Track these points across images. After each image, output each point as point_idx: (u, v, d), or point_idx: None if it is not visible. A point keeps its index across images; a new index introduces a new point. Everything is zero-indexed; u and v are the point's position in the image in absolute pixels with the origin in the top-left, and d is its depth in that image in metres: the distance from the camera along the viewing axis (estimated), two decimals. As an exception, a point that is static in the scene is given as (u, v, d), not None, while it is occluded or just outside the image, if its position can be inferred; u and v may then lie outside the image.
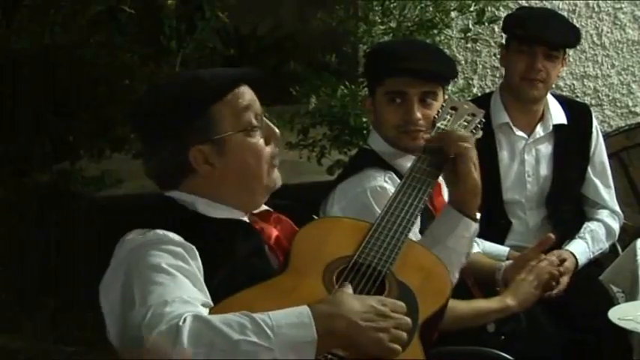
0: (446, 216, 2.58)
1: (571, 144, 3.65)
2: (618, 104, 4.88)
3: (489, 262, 3.08)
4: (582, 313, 3.30)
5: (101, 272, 2.09)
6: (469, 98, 4.39)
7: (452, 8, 4.35)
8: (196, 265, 2.03)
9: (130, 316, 1.92)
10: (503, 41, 3.79)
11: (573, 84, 4.85)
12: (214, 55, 5.17)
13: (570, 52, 3.71)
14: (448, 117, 2.64)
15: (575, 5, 4.82)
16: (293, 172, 5.32)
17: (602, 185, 3.69)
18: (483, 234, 2.98)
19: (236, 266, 2.08)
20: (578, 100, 4.57)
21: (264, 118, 2.21)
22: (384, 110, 2.91)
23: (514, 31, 3.59)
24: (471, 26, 4.54)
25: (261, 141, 2.19)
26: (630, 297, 3.22)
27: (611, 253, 3.67)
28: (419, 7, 4.32)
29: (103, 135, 4.94)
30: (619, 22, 4.84)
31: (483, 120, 2.68)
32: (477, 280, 2.95)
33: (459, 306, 2.65)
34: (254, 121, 2.17)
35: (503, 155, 3.60)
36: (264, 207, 2.27)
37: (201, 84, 2.18)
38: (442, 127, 2.60)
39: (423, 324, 2.09)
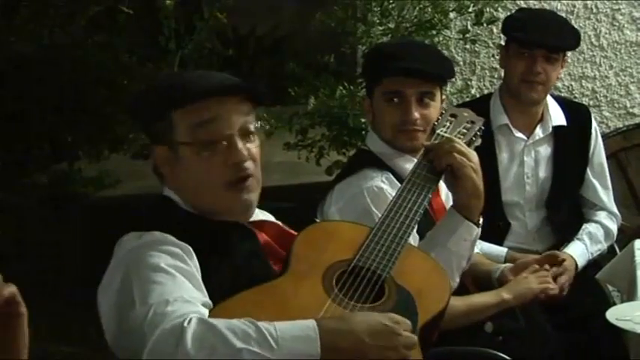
0: (448, 218, 2.60)
1: (570, 145, 3.65)
2: (616, 105, 4.87)
3: (487, 265, 3.08)
4: (580, 314, 3.30)
5: (100, 272, 2.09)
6: (467, 99, 4.40)
7: (450, 9, 4.35)
8: (194, 265, 2.03)
9: (130, 316, 1.92)
10: (502, 42, 3.79)
11: (571, 85, 4.85)
12: (213, 55, 5.16)
13: (569, 53, 3.70)
14: (448, 124, 2.66)
15: (574, 6, 4.81)
16: (291, 173, 5.33)
17: (601, 187, 3.69)
18: (482, 235, 2.98)
19: (234, 268, 2.08)
20: (576, 101, 4.58)
21: (238, 140, 2.10)
22: (381, 110, 2.91)
23: (514, 34, 3.58)
24: (469, 27, 4.54)
25: (217, 159, 2.11)
26: (627, 297, 3.23)
27: (608, 254, 3.67)
28: (417, 8, 4.32)
29: (101, 135, 4.95)
30: (617, 24, 4.84)
31: (483, 127, 2.69)
32: (475, 280, 2.96)
33: (454, 303, 2.63)
34: (211, 137, 2.10)
35: (503, 157, 3.59)
36: (259, 216, 2.26)
37: (169, 88, 2.19)
38: (442, 134, 2.62)
39: (422, 328, 2.10)
